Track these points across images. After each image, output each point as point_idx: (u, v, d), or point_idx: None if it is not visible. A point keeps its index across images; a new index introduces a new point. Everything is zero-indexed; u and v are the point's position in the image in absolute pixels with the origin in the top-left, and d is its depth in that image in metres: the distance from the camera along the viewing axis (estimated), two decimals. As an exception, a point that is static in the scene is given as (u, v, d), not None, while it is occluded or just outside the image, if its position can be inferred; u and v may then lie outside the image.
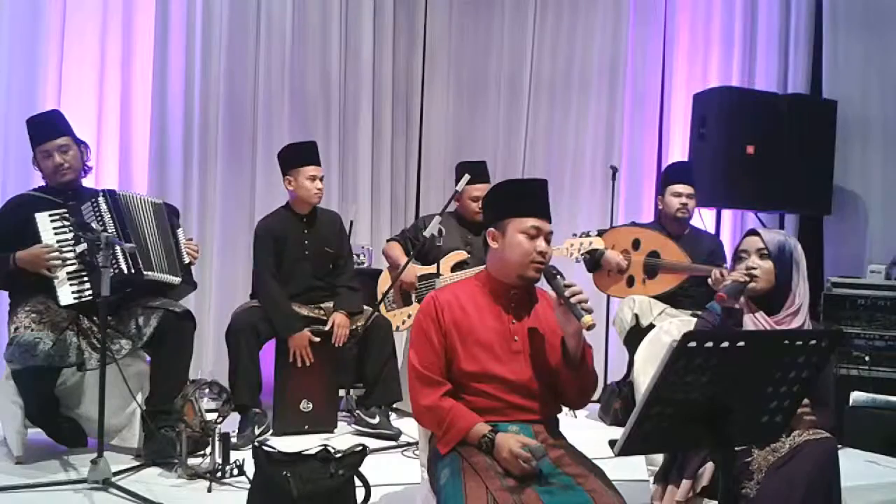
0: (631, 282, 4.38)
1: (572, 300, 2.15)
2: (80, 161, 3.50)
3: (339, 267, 4.25)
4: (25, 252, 3.24)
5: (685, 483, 2.23)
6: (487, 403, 2.24)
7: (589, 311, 2.15)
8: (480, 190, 4.29)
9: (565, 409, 2.45)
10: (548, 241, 2.29)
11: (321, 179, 4.10)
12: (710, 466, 2.21)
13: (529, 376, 2.27)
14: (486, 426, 2.18)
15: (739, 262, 2.46)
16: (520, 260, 2.26)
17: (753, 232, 2.49)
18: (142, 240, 3.45)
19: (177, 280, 3.52)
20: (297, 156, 4.11)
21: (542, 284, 2.38)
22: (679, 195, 4.29)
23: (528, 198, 2.32)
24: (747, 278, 2.39)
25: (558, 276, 2.22)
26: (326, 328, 4.01)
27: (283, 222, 4.13)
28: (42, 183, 3.54)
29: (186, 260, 3.64)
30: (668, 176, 4.45)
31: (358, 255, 4.73)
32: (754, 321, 2.39)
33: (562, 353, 2.27)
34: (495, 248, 2.31)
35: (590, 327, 2.13)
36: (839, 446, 3.36)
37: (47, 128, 3.47)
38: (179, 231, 3.68)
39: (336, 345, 3.99)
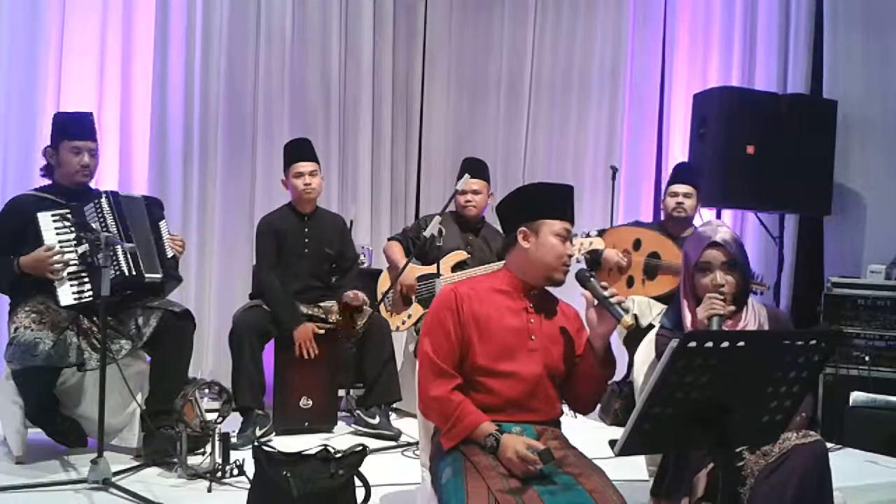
0: (630, 282, 4.39)
1: (612, 300, 2.19)
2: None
3: (343, 269, 4.26)
4: (29, 258, 3.24)
5: (684, 502, 2.22)
6: (494, 401, 2.24)
7: (627, 311, 2.19)
8: (469, 185, 4.32)
9: (565, 410, 2.45)
10: (572, 244, 2.35)
11: (311, 174, 4.10)
12: (702, 476, 2.20)
13: (542, 376, 2.28)
14: (492, 425, 2.17)
15: (702, 275, 2.36)
16: (553, 262, 2.29)
17: (715, 244, 2.35)
18: (142, 241, 3.44)
19: (158, 277, 3.49)
20: (287, 154, 4.17)
21: (559, 292, 2.39)
22: (675, 195, 4.31)
23: (562, 201, 2.36)
24: (722, 306, 2.27)
25: (592, 279, 2.25)
26: (328, 326, 4.01)
27: (283, 219, 4.16)
28: (41, 181, 3.53)
29: (170, 254, 3.62)
30: (670, 176, 4.47)
31: (358, 256, 4.74)
32: None
33: (587, 353, 2.30)
34: (526, 248, 2.32)
35: (629, 326, 2.16)
36: (839, 446, 3.39)
37: (85, 127, 3.49)
38: (162, 223, 3.64)
39: (355, 306, 3.99)
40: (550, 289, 2.40)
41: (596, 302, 2.21)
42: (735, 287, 2.35)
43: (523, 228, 2.33)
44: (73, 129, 3.45)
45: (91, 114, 3.62)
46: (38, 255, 3.23)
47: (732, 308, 2.32)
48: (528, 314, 2.32)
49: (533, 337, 2.30)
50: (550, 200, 2.35)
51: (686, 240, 2.51)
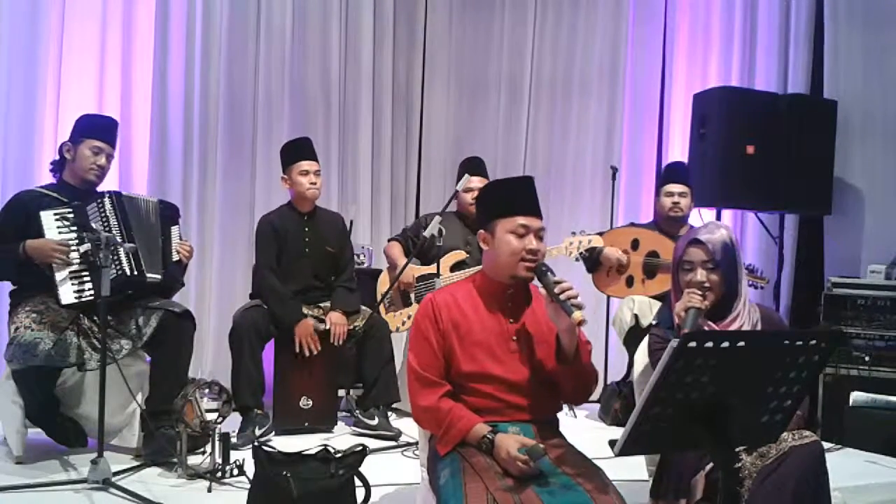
0: (630, 282, 4.39)
1: (562, 297, 2.16)
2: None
3: (340, 268, 4.26)
4: (35, 241, 3.25)
5: (681, 502, 2.22)
6: (486, 404, 2.24)
7: (579, 307, 2.15)
8: (473, 182, 4.36)
9: (565, 409, 2.46)
10: (539, 238, 2.28)
11: (315, 174, 4.11)
12: (700, 478, 2.20)
13: (528, 376, 2.27)
14: (485, 427, 2.18)
15: (684, 273, 2.37)
16: (509, 259, 2.27)
17: (696, 242, 2.36)
18: (144, 241, 3.44)
19: (158, 277, 3.49)
20: (289, 153, 4.17)
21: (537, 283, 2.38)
22: (671, 194, 4.31)
23: (515, 197, 2.31)
24: (700, 300, 2.28)
25: (549, 273, 2.22)
26: (325, 327, 4.02)
27: (283, 218, 4.16)
28: (41, 180, 3.54)
29: (176, 258, 3.63)
30: (663, 176, 4.48)
31: (358, 255, 4.74)
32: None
33: (556, 349, 2.27)
34: (487, 250, 2.33)
35: (580, 323, 2.13)
36: (839, 446, 3.38)
37: (110, 131, 3.56)
38: (174, 228, 3.66)
39: (335, 343, 3.99)
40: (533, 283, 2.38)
41: (552, 298, 2.18)
42: (719, 286, 2.34)
43: (481, 231, 2.34)
44: (100, 130, 3.51)
45: (118, 123, 3.69)
46: (44, 241, 3.24)
47: (708, 304, 2.31)
48: (505, 316, 2.32)
49: (514, 338, 2.29)
50: (503, 198, 2.32)
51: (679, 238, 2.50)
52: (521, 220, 2.26)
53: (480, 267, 4.13)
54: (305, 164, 4.09)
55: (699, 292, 2.30)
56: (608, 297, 4.87)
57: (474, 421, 2.19)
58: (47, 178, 3.61)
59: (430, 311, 2.30)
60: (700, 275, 2.33)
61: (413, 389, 2.28)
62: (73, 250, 3.29)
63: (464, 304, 2.31)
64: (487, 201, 2.38)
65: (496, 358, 2.26)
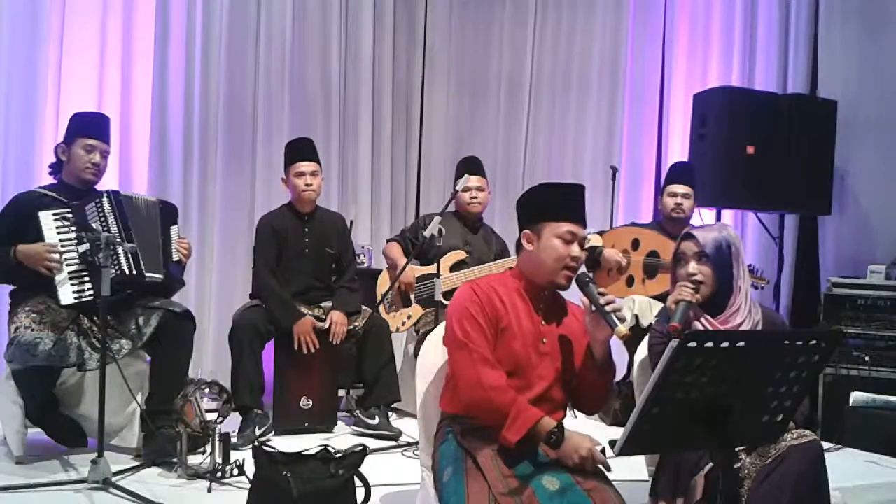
0: (630, 282, 4.39)
1: (607, 308, 2.14)
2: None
3: (341, 268, 4.26)
4: (27, 247, 3.24)
5: (679, 502, 2.22)
6: None
7: (622, 320, 2.14)
8: (472, 182, 4.37)
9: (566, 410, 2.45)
10: (581, 247, 2.28)
11: (312, 174, 4.10)
12: (700, 478, 2.20)
13: (553, 379, 2.26)
14: (552, 420, 2.11)
15: (678, 266, 2.41)
16: (553, 265, 2.25)
17: (689, 236, 2.41)
18: (144, 241, 3.44)
19: (159, 277, 3.48)
20: (289, 153, 4.17)
21: (568, 295, 2.37)
22: (675, 195, 4.29)
23: (567, 202, 2.30)
24: (691, 293, 2.31)
25: (591, 284, 2.21)
26: (325, 325, 4.02)
27: (283, 219, 4.15)
28: (41, 180, 3.54)
29: (176, 257, 3.62)
30: (667, 176, 4.47)
31: (358, 256, 4.74)
32: (701, 326, 2.36)
33: (588, 359, 2.27)
34: (530, 251, 2.29)
35: (623, 336, 2.11)
36: (839, 446, 3.39)
37: (101, 128, 3.55)
38: (173, 228, 3.66)
39: (334, 342, 4.00)
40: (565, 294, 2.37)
41: (594, 308, 2.18)
42: (711, 278, 2.36)
43: (526, 231, 2.31)
44: (91, 128, 3.50)
45: (109, 119, 3.68)
46: (36, 248, 3.23)
47: (699, 297, 2.33)
48: (538, 317, 2.31)
49: (544, 340, 2.28)
50: (555, 201, 2.30)
51: None
52: (570, 226, 2.25)
53: (481, 267, 4.20)
54: (302, 166, 4.09)
55: (690, 286, 2.33)
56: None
57: (540, 412, 2.13)
58: (48, 179, 3.62)
59: (475, 296, 2.24)
60: (692, 267, 2.36)
61: (471, 364, 2.16)
62: (72, 250, 3.29)
63: (504, 298, 2.28)
64: (538, 202, 2.33)
65: (528, 357, 2.24)
